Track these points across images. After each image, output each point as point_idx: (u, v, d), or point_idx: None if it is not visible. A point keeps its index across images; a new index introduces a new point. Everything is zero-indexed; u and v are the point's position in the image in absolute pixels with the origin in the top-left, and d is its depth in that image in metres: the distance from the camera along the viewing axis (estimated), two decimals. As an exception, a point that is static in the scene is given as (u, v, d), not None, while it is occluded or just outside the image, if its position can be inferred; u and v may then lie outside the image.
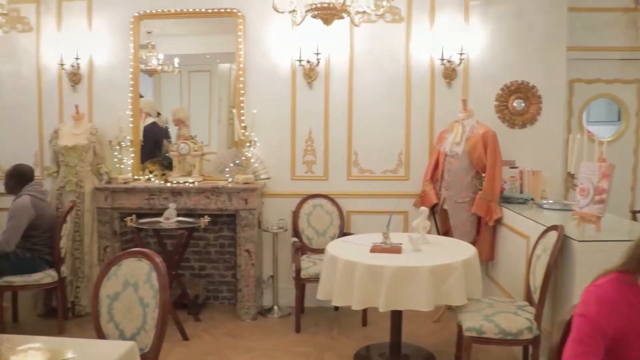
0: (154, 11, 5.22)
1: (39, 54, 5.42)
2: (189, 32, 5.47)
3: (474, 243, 4.52)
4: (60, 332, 4.48)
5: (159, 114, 5.49)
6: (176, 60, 5.38)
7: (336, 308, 5.04)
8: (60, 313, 4.57)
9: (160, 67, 5.37)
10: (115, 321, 2.58)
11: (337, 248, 3.88)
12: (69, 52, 5.26)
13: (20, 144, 5.43)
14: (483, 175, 4.68)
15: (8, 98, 5.48)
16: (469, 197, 4.76)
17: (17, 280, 4.37)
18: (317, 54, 5.11)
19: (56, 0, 5.37)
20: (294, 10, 3.72)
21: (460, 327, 3.52)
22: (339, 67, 5.24)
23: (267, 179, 5.18)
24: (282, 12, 3.70)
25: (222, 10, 5.18)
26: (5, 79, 5.47)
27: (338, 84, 5.25)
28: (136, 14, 5.21)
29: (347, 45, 5.21)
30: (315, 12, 3.63)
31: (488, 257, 4.74)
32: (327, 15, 3.65)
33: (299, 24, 3.77)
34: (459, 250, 3.79)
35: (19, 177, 4.51)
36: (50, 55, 5.37)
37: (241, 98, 5.15)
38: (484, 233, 4.73)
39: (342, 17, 3.72)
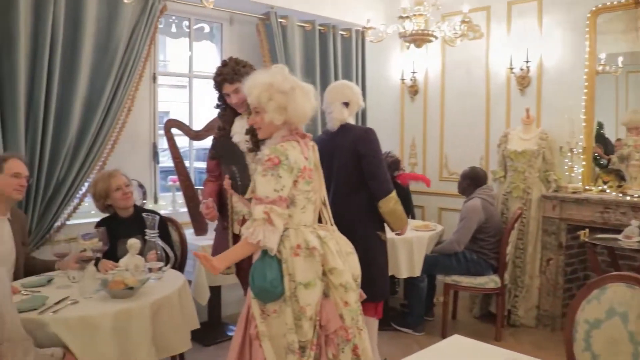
0: (614, 2, 4.66)
1: (488, 59, 5.48)
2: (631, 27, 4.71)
3: None
4: (497, 339, 4.41)
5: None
6: (619, 59, 4.70)
7: None
8: (498, 320, 4.50)
9: (601, 68, 4.77)
10: (593, 351, 2.25)
11: None
12: (518, 55, 5.15)
13: (468, 147, 5.60)
14: None
15: (456, 103, 5.72)
16: None
17: (464, 280, 4.47)
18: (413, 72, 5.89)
19: (505, 4, 5.33)
20: None
21: None
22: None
23: None
24: None
25: None
26: (455, 84, 5.73)
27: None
28: (593, 8, 4.75)
29: (439, 61, 5.80)
30: (408, 38, 4.66)
31: None
32: (418, 40, 4.64)
33: None
34: None
35: (473, 180, 4.61)
36: (499, 59, 5.37)
37: None
38: None
39: (431, 41, 4.72)
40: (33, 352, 2.15)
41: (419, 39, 4.64)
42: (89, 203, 4.07)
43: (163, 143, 4.61)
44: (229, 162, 3.29)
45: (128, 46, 4.05)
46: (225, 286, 4.40)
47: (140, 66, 4.15)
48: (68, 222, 3.99)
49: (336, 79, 5.41)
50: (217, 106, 3.41)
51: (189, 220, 4.33)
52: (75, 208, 4.01)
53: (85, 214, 4.14)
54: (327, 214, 2.58)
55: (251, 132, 3.20)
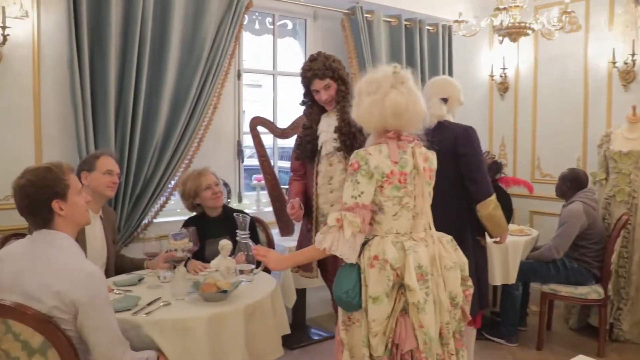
0: None
1: (587, 53, 5.12)
2: None
3: None
4: (600, 355, 4.08)
5: None
6: None
7: None
8: (601, 334, 4.16)
9: None
10: None
11: None
12: (622, 48, 4.78)
13: (563, 147, 5.27)
14: None
15: (550, 100, 5.39)
16: None
17: (563, 290, 4.17)
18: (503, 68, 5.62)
19: (607, -6, 4.97)
20: None
21: None
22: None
23: None
24: None
25: None
26: (549, 80, 5.39)
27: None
28: None
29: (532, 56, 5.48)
30: (503, 32, 4.38)
31: None
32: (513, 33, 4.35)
33: None
34: None
35: (574, 182, 4.29)
36: (599, 53, 5.00)
37: None
38: None
39: (528, 34, 4.41)
40: (129, 356, 2.08)
41: (514, 32, 4.37)
42: (174, 201, 4.06)
43: (246, 141, 4.54)
44: (313, 162, 3.17)
45: (214, 43, 3.99)
46: (309, 288, 4.29)
47: (226, 63, 4.09)
48: (155, 220, 3.98)
49: (422, 75, 5.19)
50: (303, 103, 3.27)
51: (274, 220, 4.24)
52: (162, 206, 3.99)
53: (171, 212, 4.13)
54: (428, 221, 2.36)
55: (339, 130, 3.06)
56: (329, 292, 4.72)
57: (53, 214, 2.02)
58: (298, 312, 4.36)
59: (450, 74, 5.61)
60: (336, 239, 2.15)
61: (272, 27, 4.97)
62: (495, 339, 4.39)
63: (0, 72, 3.37)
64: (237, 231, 2.91)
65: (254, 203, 4.60)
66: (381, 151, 2.22)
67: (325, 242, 2.17)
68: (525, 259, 4.30)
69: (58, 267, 1.96)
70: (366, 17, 4.91)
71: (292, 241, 3.93)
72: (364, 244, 2.22)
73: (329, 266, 3.20)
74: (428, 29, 5.42)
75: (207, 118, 4.05)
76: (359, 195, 2.16)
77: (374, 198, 2.20)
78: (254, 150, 4.43)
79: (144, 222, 3.89)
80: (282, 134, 4.31)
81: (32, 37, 3.47)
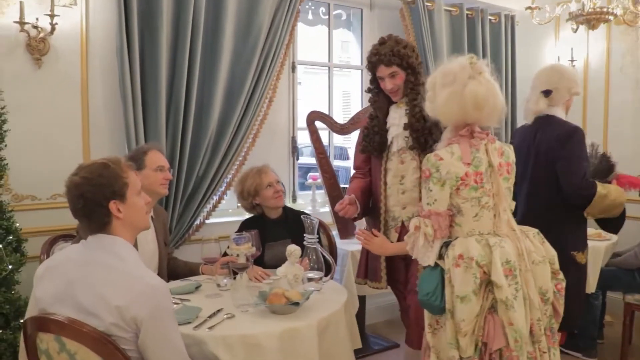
0: None
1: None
2: None
3: None
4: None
5: None
6: None
7: None
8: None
9: None
10: None
11: None
12: None
13: (638, 145, 4.87)
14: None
15: (624, 94, 4.98)
16: None
17: (651, 300, 3.80)
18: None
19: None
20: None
21: None
22: None
23: None
24: None
25: None
26: (623, 73, 4.99)
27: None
28: None
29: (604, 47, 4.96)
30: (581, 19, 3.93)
31: None
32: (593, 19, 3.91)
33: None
34: None
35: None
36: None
37: None
38: None
39: (609, 21, 3.96)
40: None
41: (594, 18, 4.00)
42: (226, 201, 3.81)
43: (301, 138, 4.28)
44: (380, 158, 2.86)
45: (270, 32, 3.74)
46: (368, 295, 4.00)
47: (282, 54, 3.83)
48: (207, 221, 3.74)
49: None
50: (369, 90, 2.94)
51: (332, 222, 3.96)
52: (215, 206, 3.75)
53: (223, 212, 3.89)
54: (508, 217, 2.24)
55: (410, 127, 2.76)
56: (386, 298, 4.48)
57: (110, 217, 1.77)
58: (358, 320, 4.04)
59: (514, 66, 5.28)
60: (417, 246, 2.17)
61: (326, 17, 4.70)
62: (573, 353, 4.02)
63: (48, 62, 3.18)
64: (305, 235, 2.63)
65: (309, 203, 4.32)
66: (453, 153, 2.14)
67: (411, 247, 2.20)
68: (605, 266, 3.93)
69: (117, 278, 1.71)
70: (427, 5, 4.59)
71: (353, 244, 3.64)
72: (446, 245, 2.15)
73: (398, 275, 2.90)
74: (490, 19, 5.08)
75: (263, 112, 3.80)
76: (433, 203, 2.13)
77: (451, 201, 2.14)
78: (310, 147, 4.16)
79: (196, 222, 3.66)
80: (341, 129, 4.02)
81: (80, 26, 3.28)
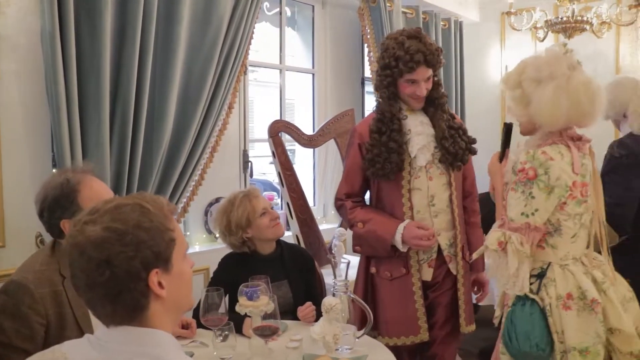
0: None
1: (619, 55, 4.69)
2: None
3: None
4: None
5: None
6: None
7: None
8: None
9: None
10: None
11: None
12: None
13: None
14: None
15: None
16: None
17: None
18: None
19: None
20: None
21: None
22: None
23: None
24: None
25: None
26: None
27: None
28: None
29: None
30: (558, 27, 3.85)
31: None
32: (569, 29, 3.81)
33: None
34: None
35: None
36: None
37: None
38: None
39: (585, 29, 3.85)
40: None
41: (570, 27, 3.78)
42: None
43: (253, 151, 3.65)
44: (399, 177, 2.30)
45: (230, 25, 3.06)
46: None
47: (244, 52, 3.18)
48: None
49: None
50: (381, 97, 2.35)
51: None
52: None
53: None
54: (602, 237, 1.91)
55: (443, 138, 2.30)
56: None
57: (149, 297, 1.07)
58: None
59: (462, 72, 5.01)
60: (498, 269, 1.77)
61: (270, 13, 4.16)
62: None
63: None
64: (334, 281, 2.02)
65: (265, 227, 3.66)
66: (562, 155, 1.77)
67: (488, 269, 1.87)
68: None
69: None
70: (387, 6, 4.17)
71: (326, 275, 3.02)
72: (538, 276, 1.78)
73: (443, 319, 2.39)
74: (441, 25, 4.77)
75: (222, 120, 3.12)
76: (533, 214, 1.73)
77: (550, 217, 1.77)
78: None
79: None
80: (309, 141, 3.43)
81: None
